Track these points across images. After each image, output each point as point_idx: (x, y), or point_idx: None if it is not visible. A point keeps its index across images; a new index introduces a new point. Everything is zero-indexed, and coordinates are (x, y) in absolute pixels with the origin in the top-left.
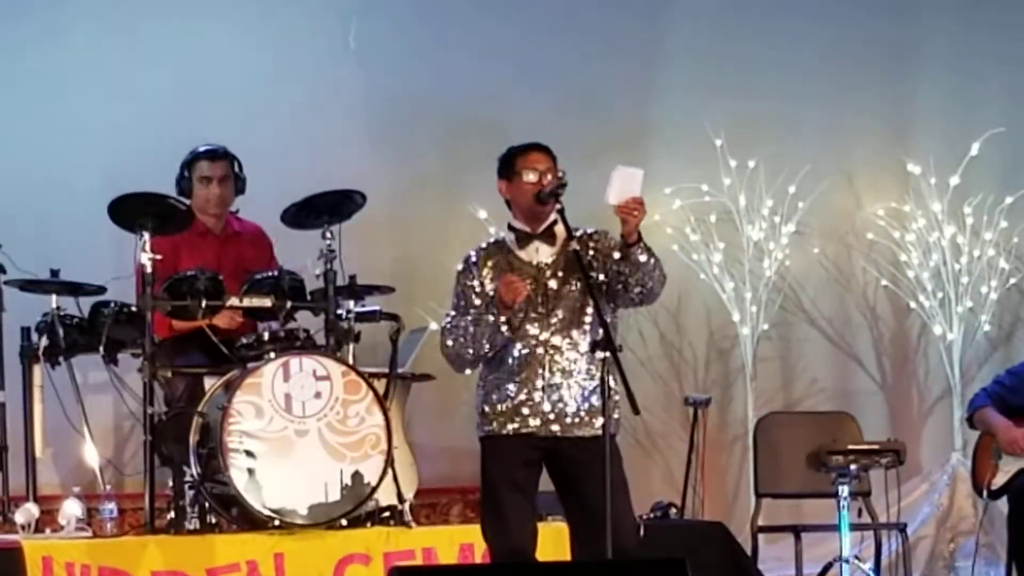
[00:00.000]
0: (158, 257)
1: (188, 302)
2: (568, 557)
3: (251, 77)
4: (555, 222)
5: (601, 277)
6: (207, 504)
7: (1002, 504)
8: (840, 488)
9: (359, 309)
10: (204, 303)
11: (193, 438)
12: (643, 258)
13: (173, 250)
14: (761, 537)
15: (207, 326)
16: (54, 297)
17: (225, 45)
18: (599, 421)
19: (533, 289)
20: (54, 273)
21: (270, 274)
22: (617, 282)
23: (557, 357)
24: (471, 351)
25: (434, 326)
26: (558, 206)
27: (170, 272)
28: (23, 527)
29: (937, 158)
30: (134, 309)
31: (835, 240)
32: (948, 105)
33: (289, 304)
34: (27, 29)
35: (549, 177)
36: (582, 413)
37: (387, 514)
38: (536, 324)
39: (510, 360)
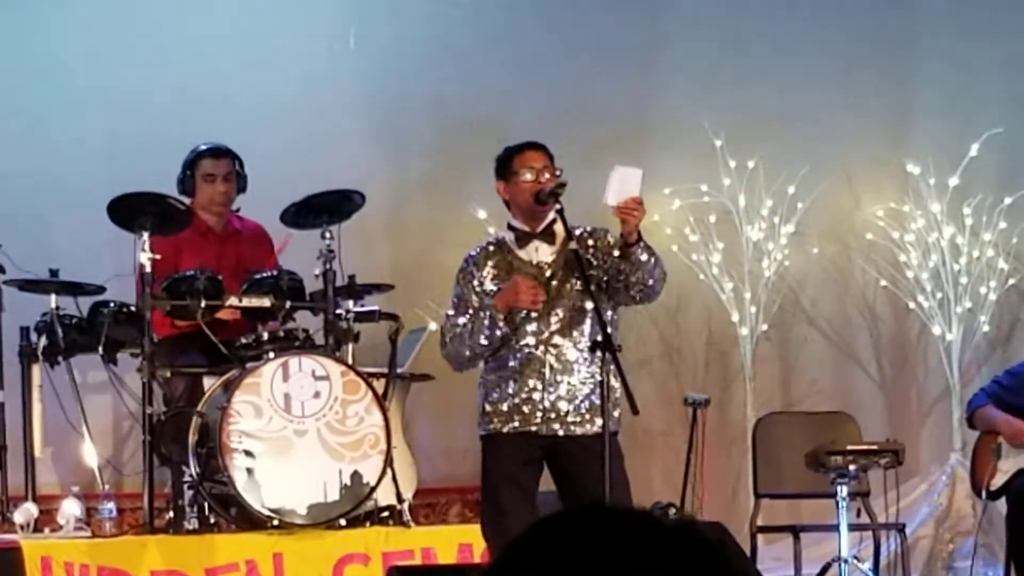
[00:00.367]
0: (157, 257)
1: (187, 302)
2: None
3: (251, 77)
4: (554, 221)
5: (601, 274)
6: (206, 504)
7: (1001, 504)
8: (839, 488)
9: (358, 309)
10: (203, 303)
11: (192, 438)
12: (644, 257)
13: (174, 249)
14: (760, 537)
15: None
16: (53, 297)
17: (225, 44)
18: (600, 419)
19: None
20: (53, 273)
21: (269, 274)
22: (617, 280)
23: (557, 356)
24: (470, 350)
25: (433, 326)
26: (557, 206)
27: (171, 271)
28: (22, 527)
29: (936, 159)
30: (133, 309)
31: (834, 240)
32: (947, 106)
33: (288, 304)
34: (27, 26)
35: (547, 175)
36: (583, 411)
37: (386, 514)
38: (536, 323)
39: (511, 359)
